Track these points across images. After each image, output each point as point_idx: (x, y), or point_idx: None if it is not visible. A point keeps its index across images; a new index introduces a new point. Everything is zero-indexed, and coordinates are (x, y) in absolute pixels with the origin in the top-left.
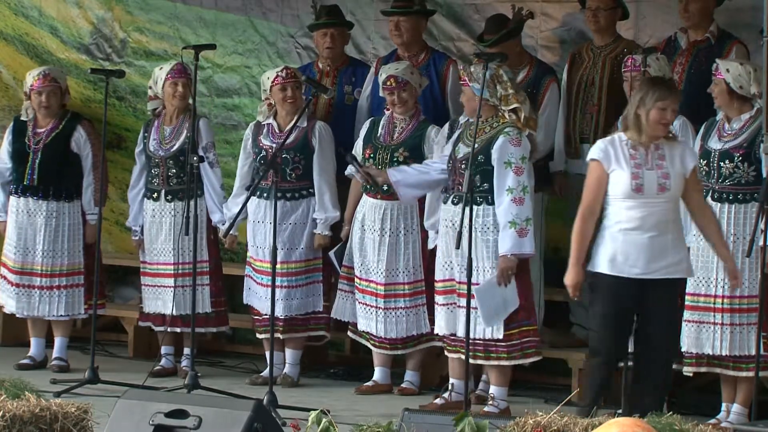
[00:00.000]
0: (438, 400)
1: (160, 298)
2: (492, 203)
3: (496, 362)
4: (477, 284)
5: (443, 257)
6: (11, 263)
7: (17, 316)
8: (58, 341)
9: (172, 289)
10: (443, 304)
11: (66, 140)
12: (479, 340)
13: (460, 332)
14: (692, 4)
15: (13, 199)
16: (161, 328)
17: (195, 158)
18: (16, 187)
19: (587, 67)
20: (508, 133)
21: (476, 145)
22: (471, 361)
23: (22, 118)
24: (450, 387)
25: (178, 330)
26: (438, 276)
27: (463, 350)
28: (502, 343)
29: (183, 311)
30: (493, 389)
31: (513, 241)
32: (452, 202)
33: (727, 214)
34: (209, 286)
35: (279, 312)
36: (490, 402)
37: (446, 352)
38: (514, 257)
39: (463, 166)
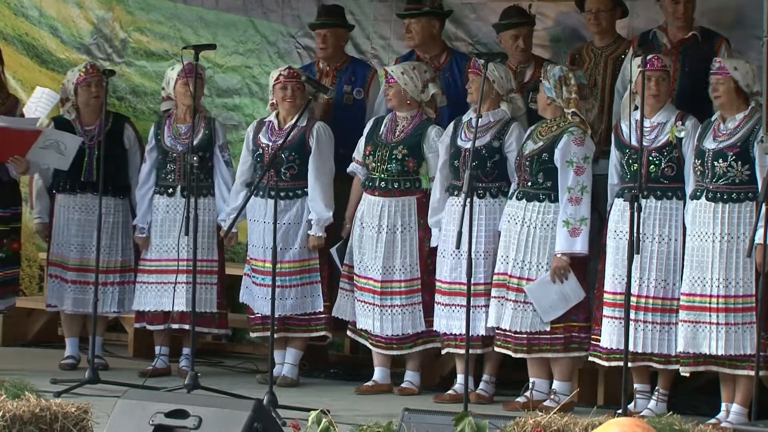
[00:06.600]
0: (520, 399)
1: (165, 296)
2: (554, 201)
3: (537, 355)
4: (531, 280)
5: (503, 251)
6: (59, 259)
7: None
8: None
9: (184, 285)
10: (495, 297)
11: (119, 137)
12: (524, 333)
13: (504, 325)
14: (688, 4)
15: (63, 197)
16: (159, 327)
17: (195, 158)
18: (72, 184)
19: (589, 67)
20: (572, 132)
21: (541, 143)
22: (513, 355)
23: (65, 117)
24: (531, 386)
25: (186, 327)
26: (497, 269)
27: (508, 346)
28: (546, 336)
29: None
30: (554, 384)
31: (564, 241)
32: (516, 198)
33: (721, 213)
34: (217, 285)
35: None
36: (552, 396)
37: (496, 348)
38: (566, 257)
39: (527, 162)
